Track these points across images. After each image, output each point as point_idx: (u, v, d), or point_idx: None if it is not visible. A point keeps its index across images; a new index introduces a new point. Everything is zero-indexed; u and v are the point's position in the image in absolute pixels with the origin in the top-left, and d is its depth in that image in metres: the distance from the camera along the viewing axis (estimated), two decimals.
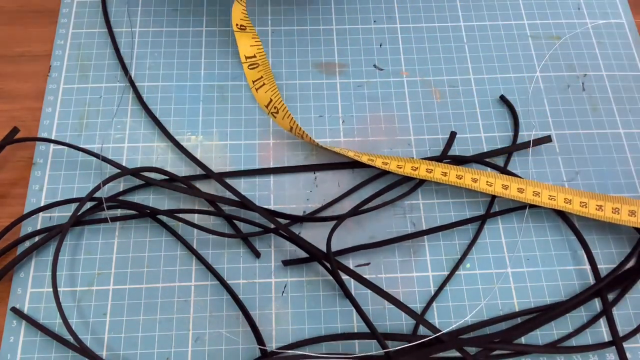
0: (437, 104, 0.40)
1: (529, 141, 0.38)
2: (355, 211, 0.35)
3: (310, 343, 0.33)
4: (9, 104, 0.39)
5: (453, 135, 0.39)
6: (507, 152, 0.38)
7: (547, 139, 0.38)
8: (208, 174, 0.37)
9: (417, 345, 0.32)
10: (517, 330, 0.33)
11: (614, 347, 0.33)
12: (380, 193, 0.36)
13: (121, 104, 0.39)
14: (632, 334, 0.33)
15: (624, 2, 0.45)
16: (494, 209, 0.37)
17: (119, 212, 0.36)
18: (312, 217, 0.35)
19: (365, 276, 0.35)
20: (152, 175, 0.37)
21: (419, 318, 0.31)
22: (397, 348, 0.31)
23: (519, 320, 0.34)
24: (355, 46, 0.42)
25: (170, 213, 0.35)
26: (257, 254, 0.35)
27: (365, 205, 0.36)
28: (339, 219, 0.35)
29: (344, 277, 0.35)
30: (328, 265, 0.34)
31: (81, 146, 0.37)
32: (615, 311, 0.34)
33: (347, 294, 0.32)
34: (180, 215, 0.36)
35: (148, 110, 0.39)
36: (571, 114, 0.40)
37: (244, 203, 0.35)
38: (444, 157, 0.38)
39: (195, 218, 0.36)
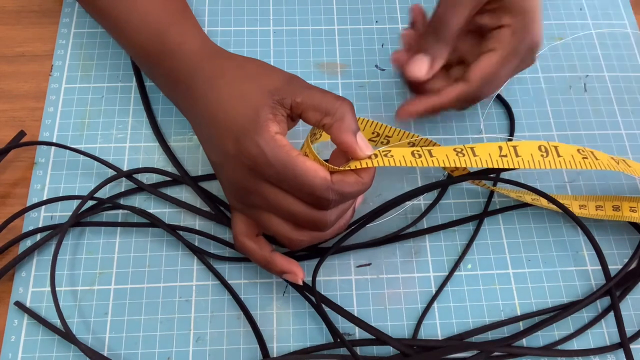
0: None
1: None
2: (339, 248, 0.35)
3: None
4: (10, 103, 0.39)
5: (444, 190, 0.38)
6: None
7: None
8: (182, 177, 0.37)
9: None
10: (527, 332, 0.33)
11: (615, 350, 0.33)
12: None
13: (123, 104, 0.39)
14: (638, 334, 0.33)
15: (626, 3, 0.45)
16: (495, 206, 0.37)
17: (119, 212, 0.36)
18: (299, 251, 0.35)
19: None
20: (154, 174, 0.37)
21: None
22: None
23: (520, 324, 0.34)
24: (357, 46, 0.42)
25: (172, 228, 0.35)
26: None
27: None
28: (323, 254, 0.34)
29: (345, 277, 0.35)
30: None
31: (82, 146, 0.37)
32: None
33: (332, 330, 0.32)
34: (181, 215, 0.36)
35: (149, 110, 0.39)
36: (573, 115, 0.40)
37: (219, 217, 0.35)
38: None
39: (197, 220, 0.36)
